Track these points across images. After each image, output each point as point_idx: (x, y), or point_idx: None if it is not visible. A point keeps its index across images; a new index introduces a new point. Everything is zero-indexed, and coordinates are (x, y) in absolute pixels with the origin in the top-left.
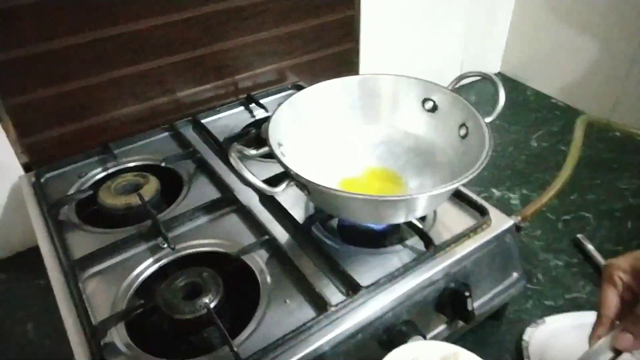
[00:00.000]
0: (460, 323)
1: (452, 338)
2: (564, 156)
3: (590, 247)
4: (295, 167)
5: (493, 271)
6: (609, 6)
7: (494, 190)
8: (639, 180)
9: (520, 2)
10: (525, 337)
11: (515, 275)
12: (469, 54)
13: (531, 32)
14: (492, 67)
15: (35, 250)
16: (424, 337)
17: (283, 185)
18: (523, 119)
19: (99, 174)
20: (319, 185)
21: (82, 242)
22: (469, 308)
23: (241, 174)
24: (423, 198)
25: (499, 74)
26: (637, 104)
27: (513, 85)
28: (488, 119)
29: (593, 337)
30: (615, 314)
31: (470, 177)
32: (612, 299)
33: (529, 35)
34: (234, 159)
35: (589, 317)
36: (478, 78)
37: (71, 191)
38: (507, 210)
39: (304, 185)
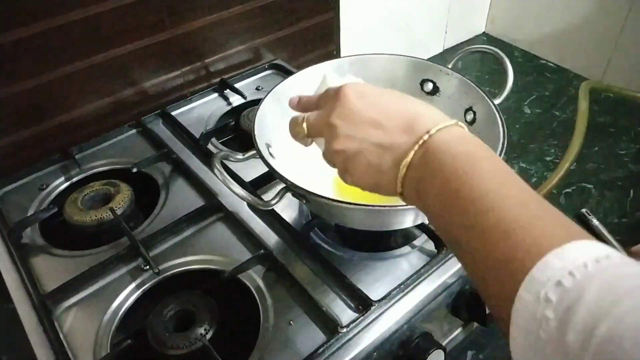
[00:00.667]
0: (475, 325)
1: (468, 340)
2: (559, 122)
3: (595, 222)
4: (289, 172)
5: None
6: None
7: None
8: (637, 145)
9: None
10: None
11: None
12: (453, 14)
13: None
14: (477, 27)
15: None
16: (444, 350)
17: (277, 197)
18: (513, 84)
19: (62, 184)
20: (320, 196)
21: (52, 268)
22: (488, 311)
23: (229, 188)
24: None
25: (484, 34)
26: (631, 62)
27: (500, 46)
28: (497, 101)
29: None
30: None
31: None
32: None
33: None
34: (218, 171)
35: None
36: (461, 41)
37: (33, 206)
38: None
39: (301, 195)
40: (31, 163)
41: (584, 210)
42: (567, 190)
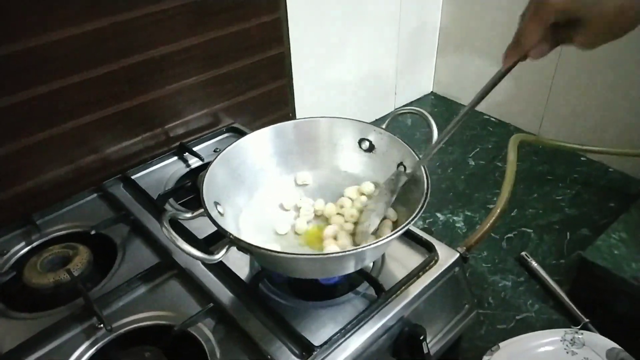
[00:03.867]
0: None
1: None
2: (501, 173)
3: (534, 264)
4: (235, 228)
5: (446, 306)
6: None
7: (439, 215)
8: (572, 190)
9: (443, 28)
10: None
11: (467, 306)
12: (401, 76)
13: (457, 53)
14: (425, 87)
15: None
16: None
17: (223, 251)
18: (459, 138)
19: (22, 249)
20: (261, 248)
21: (9, 331)
22: (425, 351)
23: (176, 244)
24: (369, 249)
25: (432, 94)
26: (561, 114)
27: (447, 104)
28: (424, 159)
29: (506, 57)
30: (532, 47)
31: (411, 223)
32: (535, 34)
33: (455, 57)
34: (166, 229)
35: (540, 338)
36: (411, 100)
37: None
38: (454, 235)
39: (245, 248)
40: None
41: (523, 253)
42: (509, 235)
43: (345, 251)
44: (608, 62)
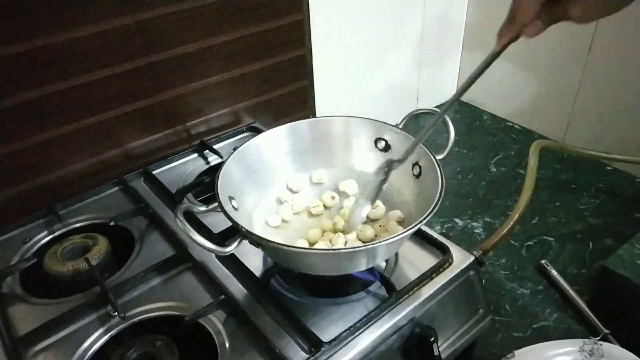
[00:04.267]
0: None
1: None
2: (523, 180)
3: (554, 272)
4: (249, 222)
5: (459, 309)
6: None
7: (457, 220)
8: (596, 200)
9: (469, 29)
10: None
11: (481, 310)
12: (424, 81)
13: (481, 57)
14: (448, 92)
15: None
16: None
17: (235, 244)
18: (481, 144)
19: (44, 238)
20: (272, 242)
21: (27, 315)
22: (436, 353)
23: (189, 235)
24: (380, 246)
25: None
26: (588, 122)
27: (470, 110)
28: (440, 156)
29: (500, 36)
30: (527, 23)
31: (425, 220)
32: (530, 9)
33: (480, 61)
34: (180, 220)
35: (557, 347)
36: (434, 106)
37: (15, 259)
38: (472, 240)
39: (257, 242)
40: (17, 218)
41: (543, 261)
42: (529, 242)
43: (357, 247)
44: (636, 69)
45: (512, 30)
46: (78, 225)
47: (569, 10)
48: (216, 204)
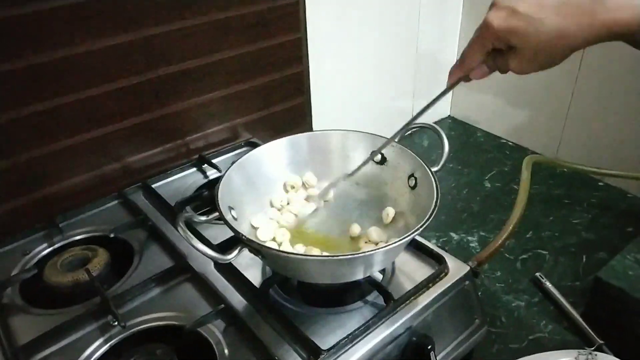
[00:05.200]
0: None
1: None
2: (517, 195)
3: (548, 285)
4: (248, 231)
5: (455, 319)
6: None
7: (453, 234)
8: (589, 214)
9: (462, 50)
10: None
11: (477, 321)
12: (418, 98)
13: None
14: (443, 110)
15: None
16: None
17: (235, 252)
18: (476, 161)
19: (44, 250)
20: (271, 249)
21: (27, 325)
22: None
23: (190, 243)
24: (377, 254)
25: (450, 117)
26: (579, 139)
27: (464, 128)
28: (435, 168)
29: (451, 74)
30: (473, 68)
31: (422, 228)
32: (476, 57)
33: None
34: (181, 228)
35: (552, 358)
36: (431, 122)
37: (15, 270)
38: (467, 254)
39: (257, 250)
40: (18, 231)
41: (538, 274)
42: (524, 256)
43: (354, 254)
44: (625, 87)
45: (461, 71)
46: (78, 237)
47: (509, 61)
48: (216, 214)
